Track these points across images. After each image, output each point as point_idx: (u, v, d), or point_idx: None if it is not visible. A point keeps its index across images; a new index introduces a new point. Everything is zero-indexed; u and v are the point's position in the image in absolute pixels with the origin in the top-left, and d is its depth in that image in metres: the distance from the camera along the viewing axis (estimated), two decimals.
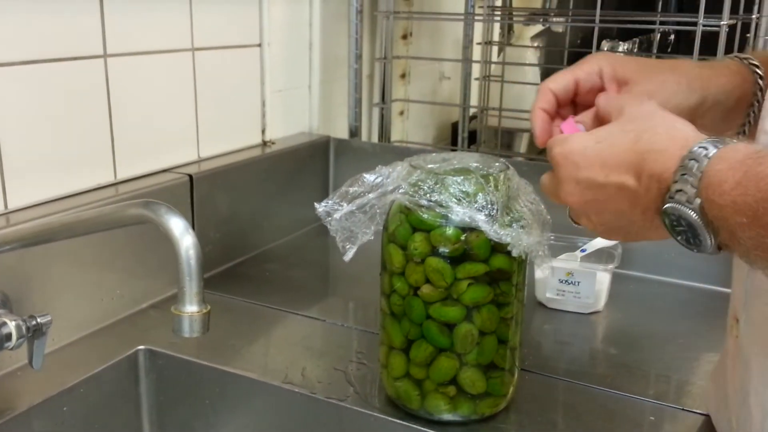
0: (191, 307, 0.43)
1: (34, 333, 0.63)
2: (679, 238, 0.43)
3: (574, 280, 0.88)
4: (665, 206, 0.42)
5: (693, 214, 0.41)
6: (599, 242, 0.93)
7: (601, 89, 0.55)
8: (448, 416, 0.65)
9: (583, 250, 0.92)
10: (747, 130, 0.56)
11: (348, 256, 0.62)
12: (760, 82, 0.55)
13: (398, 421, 0.67)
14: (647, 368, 0.78)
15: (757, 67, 0.56)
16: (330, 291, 1.03)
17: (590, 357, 0.83)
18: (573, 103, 0.57)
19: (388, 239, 0.64)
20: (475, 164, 0.63)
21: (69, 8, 0.77)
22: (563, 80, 0.56)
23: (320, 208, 0.62)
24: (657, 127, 0.45)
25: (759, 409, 0.52)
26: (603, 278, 0.88)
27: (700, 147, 0.41)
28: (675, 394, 0.72)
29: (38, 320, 0.63)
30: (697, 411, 0.69)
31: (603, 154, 0.46)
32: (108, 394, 0.73)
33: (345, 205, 0.62)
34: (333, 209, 0.61)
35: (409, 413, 0.67)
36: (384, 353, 0.68)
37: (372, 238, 0.64)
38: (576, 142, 0.48)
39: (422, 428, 0.66)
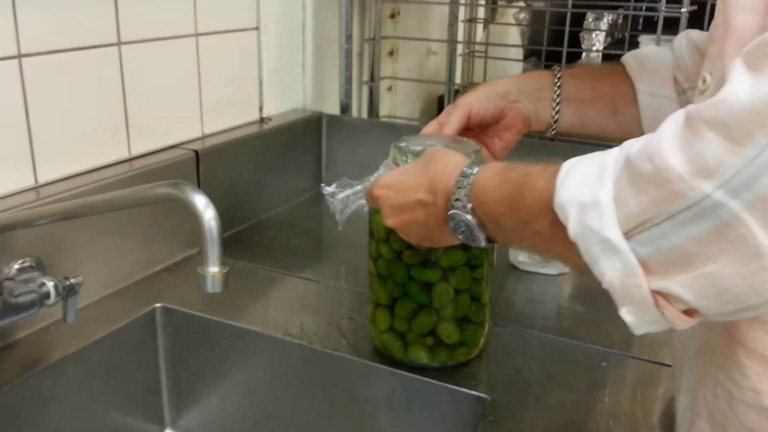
0: (213, 268, 0.52)
1: (68, 292, 0.72)
2: (461, 237, 0.56)
3: None
4: (449, 212, 0.56)
5: (468, 216, 0.54)
6: None
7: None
8: (427, 363, 0.75)
9: None
10: (554, 115, 0.76)
11: (341, 224, 0.73)
12: (557, 78, 0.76)
13: (385, 367, 0.76)
14: (609, 322, 0.87)
15: (555, 71, 0.77)
16: (323, 255, 1.12)
17: (557, 313, 0.94)
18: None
19: (374, 210, 0.73)
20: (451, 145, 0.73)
21: (88, 2, 0.85)
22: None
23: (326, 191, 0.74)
24: (438, 158, 0.61)
25: (704, 357, 0.60)
26: None
27: (467, 168, 0.56)
28: (629, 343, 0.81)
29: (71, 281, 0.72)
30: (644, 358, 0.79)
31: (403, 181, 0.62)
32: (130, 345, 0.83)
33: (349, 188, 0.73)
34: (337, 192, 0.73)
35: (394, 361, 0.77)
36: (372, 310, 0.78)
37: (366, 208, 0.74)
38: (383, 178, 0.64)
39: (405, 372, 0.75)
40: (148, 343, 0.85)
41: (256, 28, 1.15)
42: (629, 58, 0.77)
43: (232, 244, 1.07)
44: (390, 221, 0.63)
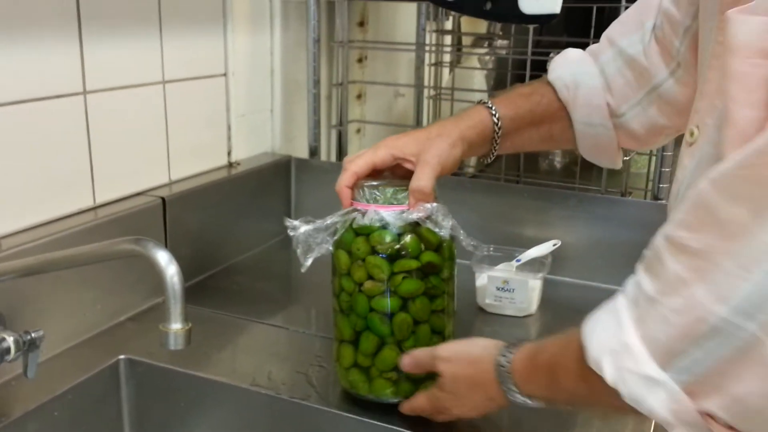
0: (176, 325, 0.52)
1: (29, 347, 0.71)
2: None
3: (509, 287, 0.99)
4: (513, 400, 0.63)
5: (529, 401, 0.63)
6: (533, 252, 1.04)
7: (397, 166, 0.74)
8: (392, 399, 0.75)
9: (518, 260, 1.03)
10: (493, 151, 0.79)
11: (305, 267, 0.72)
12: (496, 120, 0.77)
13: (352, 415, 0.76)
14: None
15: (494, 111, 0.77)
16: (293, 300, 1.12)
17: None
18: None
19: (336, 246, 0.74)
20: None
21: (53, 51, 0.85)
22: (363, 164, 0.73)
23: (289, 222, 0.73)
24: (471, 348, 0.70)
25: None
26: (534, 285, 0.99)
27: (500, 357, 0.64)
28: None
29: (32, 335, 0.71)
30: None
31: (455, 391, 0.69)
32: (93, 399, 0.81)
33: (311, 224, 0.72)
34: (299, 225, 0.72)
35: (360, 404, 0.76)
36: (336, 347, 0.77)
37: (331, 249, 0.74)
38: (431, 398, 0.72)
39: (374, 422, 0.74)
40: (112, 397, 0.84)
41: (224, 74, 1.16)
42: (561, 85, 0.78)
43: (199, 291, 1.06)
44: (471, 414, 0.71)
